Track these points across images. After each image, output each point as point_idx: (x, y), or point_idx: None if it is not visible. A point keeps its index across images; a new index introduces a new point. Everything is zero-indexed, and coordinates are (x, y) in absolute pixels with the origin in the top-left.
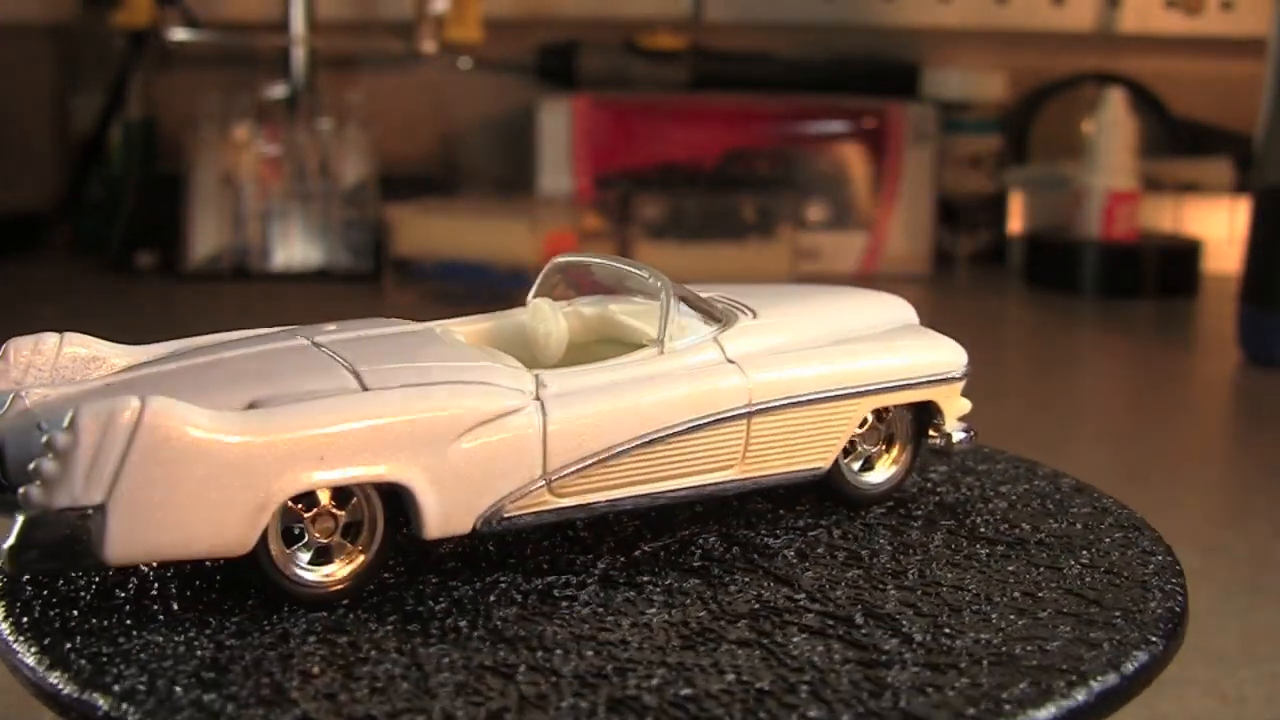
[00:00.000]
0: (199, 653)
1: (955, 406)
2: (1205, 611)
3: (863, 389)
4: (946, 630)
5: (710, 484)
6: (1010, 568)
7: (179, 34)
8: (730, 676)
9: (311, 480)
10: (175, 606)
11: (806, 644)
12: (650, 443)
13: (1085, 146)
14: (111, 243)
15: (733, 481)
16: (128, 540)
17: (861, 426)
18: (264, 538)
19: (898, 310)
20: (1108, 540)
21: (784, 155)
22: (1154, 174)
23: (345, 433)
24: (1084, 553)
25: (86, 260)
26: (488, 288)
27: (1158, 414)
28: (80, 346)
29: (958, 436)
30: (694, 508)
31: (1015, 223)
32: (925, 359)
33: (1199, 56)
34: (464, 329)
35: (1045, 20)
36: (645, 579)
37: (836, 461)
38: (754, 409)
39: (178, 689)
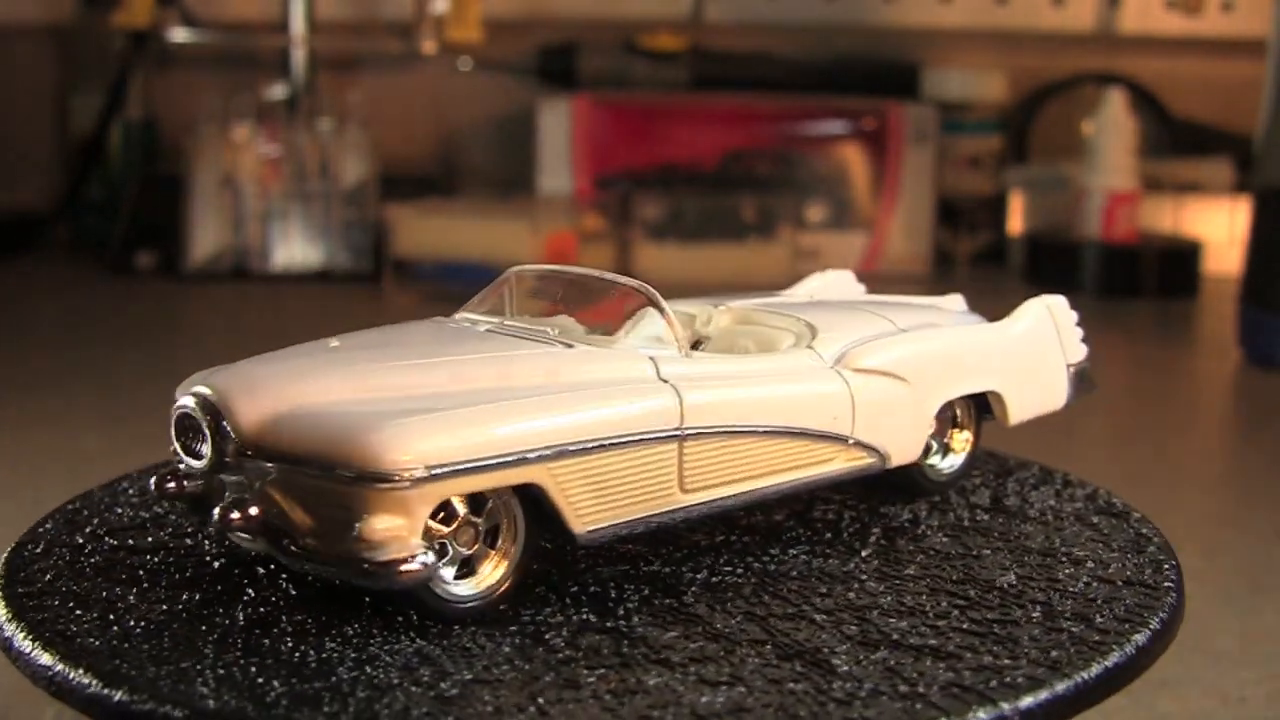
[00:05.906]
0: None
1: None
2: (1205, 611)
3: None
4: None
5: None
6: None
7: (179, 34)
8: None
9: None
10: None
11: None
12: None
13: (1085, 146)
14: (111, 243)
15: None
16: None
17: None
18: None
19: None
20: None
21: (784, 155)
22: (1154, 174)
23: None
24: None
25: (86, 260)
26: None
27: (1158, 414)
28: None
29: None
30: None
31: (1015, 223)
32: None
33: (1199, 57)
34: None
35: (1045, 20)
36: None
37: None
38: None
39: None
